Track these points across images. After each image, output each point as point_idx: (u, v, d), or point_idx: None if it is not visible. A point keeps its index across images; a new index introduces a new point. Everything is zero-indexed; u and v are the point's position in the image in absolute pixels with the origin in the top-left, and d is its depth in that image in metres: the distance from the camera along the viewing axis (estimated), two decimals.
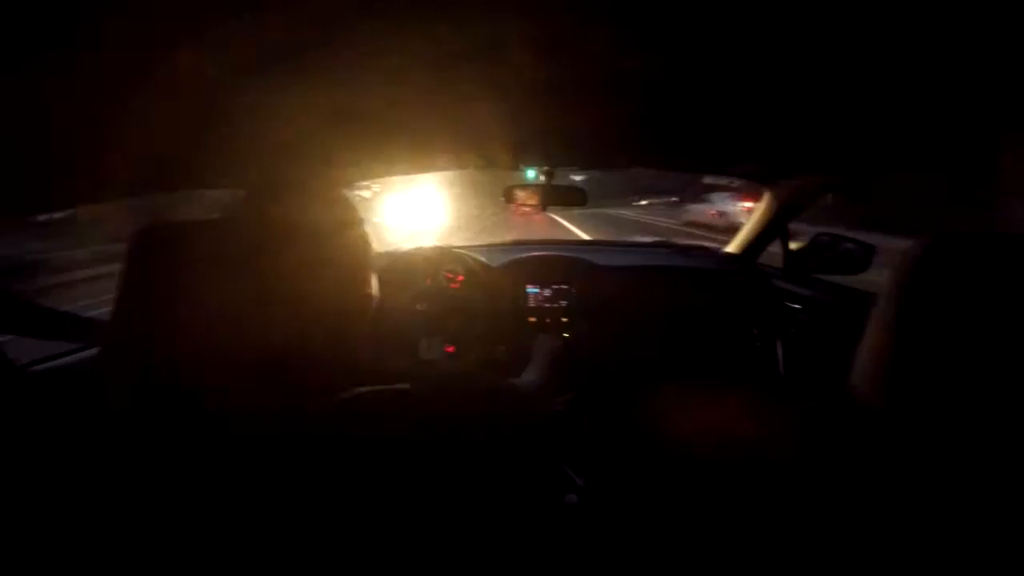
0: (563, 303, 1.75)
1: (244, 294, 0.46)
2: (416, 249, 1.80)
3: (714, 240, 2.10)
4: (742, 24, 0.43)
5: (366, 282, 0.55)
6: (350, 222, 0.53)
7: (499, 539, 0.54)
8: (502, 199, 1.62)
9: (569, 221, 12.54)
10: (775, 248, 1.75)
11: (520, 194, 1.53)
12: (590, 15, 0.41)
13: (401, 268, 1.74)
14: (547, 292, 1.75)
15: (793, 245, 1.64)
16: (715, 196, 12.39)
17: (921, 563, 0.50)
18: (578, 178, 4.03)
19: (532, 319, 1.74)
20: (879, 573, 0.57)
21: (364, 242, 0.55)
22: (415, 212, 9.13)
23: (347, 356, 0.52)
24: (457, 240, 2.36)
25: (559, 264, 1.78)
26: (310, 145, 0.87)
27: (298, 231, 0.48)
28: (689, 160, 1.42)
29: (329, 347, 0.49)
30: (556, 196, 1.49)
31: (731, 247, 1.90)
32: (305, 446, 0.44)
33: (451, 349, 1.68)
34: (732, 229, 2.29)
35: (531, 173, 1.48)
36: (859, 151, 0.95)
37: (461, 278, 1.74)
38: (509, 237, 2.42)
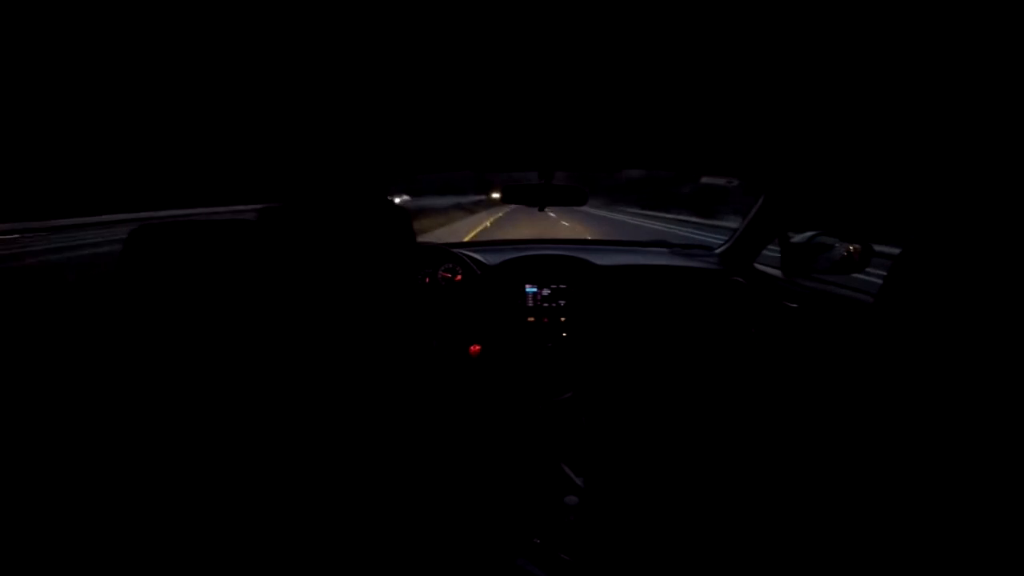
0: (561, 302, 1.75)
1: (238, 295, 0.46)
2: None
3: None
4: (743, 25, 0.43)
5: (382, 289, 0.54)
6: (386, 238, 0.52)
7: (500, 535, 0.54)
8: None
9: None
10: (774, 248, 1.75)
11: (519, 194, 1.53)
12: (596, 16, 0.41)
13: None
14: (545, 292, 1.76)
15: (791, 245, 1.65)
16: None
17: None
18: None
19: (530, 318, 1.74)
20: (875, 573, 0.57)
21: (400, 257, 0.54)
22: None
23: (343, 356, 0.52)
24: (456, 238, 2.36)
25: (557, 264, 1.78)
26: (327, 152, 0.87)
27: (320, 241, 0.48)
28: (689, 161, 1.42)
29: (322, 347, 0.49)
30: (555, 196, 1.49)
31: (730, 247, 1.91)
32: (297, 443, 0.44)
33: (448, 349, 1.68)
34: None
35: None
36: (855, 155, 0.95)
37: (459, 277, 1.74)
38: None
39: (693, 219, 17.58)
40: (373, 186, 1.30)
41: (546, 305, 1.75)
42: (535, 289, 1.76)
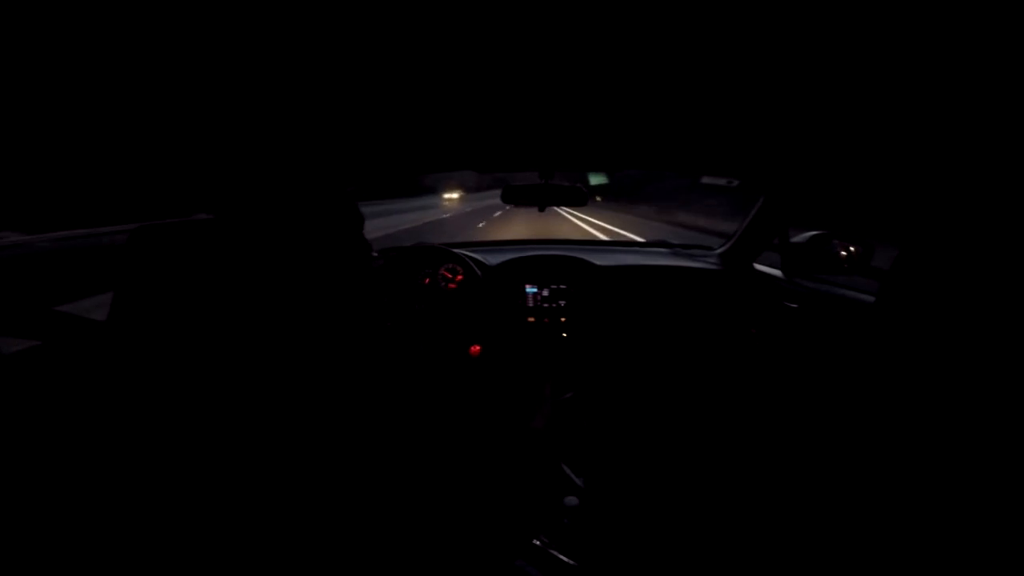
0: (561, 303, 1.75)
1: (238, 295, 0.46)
2: (414, 248, 1.80)
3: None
4: (743, 26, 0.43)
5: (361, 287, 0.55)
6: (350, 229, 0.53)
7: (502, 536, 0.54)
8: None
9: None
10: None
11: (519, 194, 1.53)
12: (597, 16, 0.41)
13: (399, 267, 1.74)
14: (545, 292, 1.76)
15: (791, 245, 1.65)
16: None
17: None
18: None
19: (530, 319, 1.74)
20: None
21: (362, 248, 0.55)
22: None
23: (342, 359, 0.52)
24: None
25: (557, 264, 1.78)
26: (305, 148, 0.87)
27: (294, 238, 0.48)
28: (688, 161, 1.42)
29: (321, 349, 0.49)
30: (555, 196, 1.50)
31: (730, 247, 1.91)
32: (296, 442, 0.44)
33: (449, 349, 1.69)
34: None
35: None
36: (854, 155, 0.95)
37: (459, 277, 1.74)
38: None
39: None
40: (363, 184, 1.30)
41: (546, 305, 1.75)
42: (535, 289, 1.76)
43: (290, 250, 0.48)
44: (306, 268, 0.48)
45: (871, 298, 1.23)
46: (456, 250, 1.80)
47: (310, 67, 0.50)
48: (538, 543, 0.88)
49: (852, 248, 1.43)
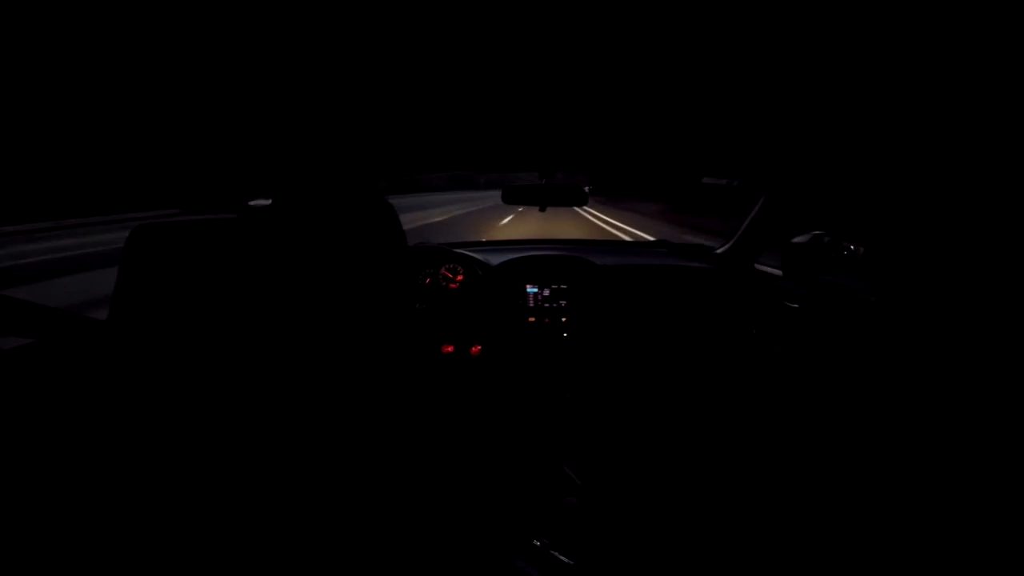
0: (562, 303, 1.75)
1: (240, 295, 0.46)
2: (415, 248, 1.80)
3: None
4: (743, 27, 0.43)
5: (382, 288, 0.54)
6: (377, 228, 0.52)
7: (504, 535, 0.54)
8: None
9: None
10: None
11: (519, 194, 1.53)
12: (597, 16, 0.41)
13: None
14: (546, 292, 1.76)
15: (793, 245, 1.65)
16: None
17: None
18: None
19: (531, 319, 1.74)
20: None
21: (392, 246, 0.53)
22: None
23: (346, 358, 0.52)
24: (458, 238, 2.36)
25: (558, 264, 1.78)
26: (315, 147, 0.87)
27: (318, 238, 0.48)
28: (687, 162, 1.42)
29: (324, 350, 0.49)
30: (556, 196, 1.50)
31: (730, 247, 1.91)
32: (297, 442, 0.44)
33: (450, 348, 1.69)
34: None
35: None
36: (854, 154, 0.95)
37: (460, 277, 1.74)
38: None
39: None
40: (365, 183, 1.30)
41: (547, 305, 1.75)
42: (536, 289, 1.76)
43: (300, 249, 0.48)
44: (315, 267, 0.48)
45: (871, 298, 1.23)
46: (457, 250, 1.80)
47: (315, 68, 0.50)
48: (538, 543, 0.88)
49: (852, 248, 1.42)
